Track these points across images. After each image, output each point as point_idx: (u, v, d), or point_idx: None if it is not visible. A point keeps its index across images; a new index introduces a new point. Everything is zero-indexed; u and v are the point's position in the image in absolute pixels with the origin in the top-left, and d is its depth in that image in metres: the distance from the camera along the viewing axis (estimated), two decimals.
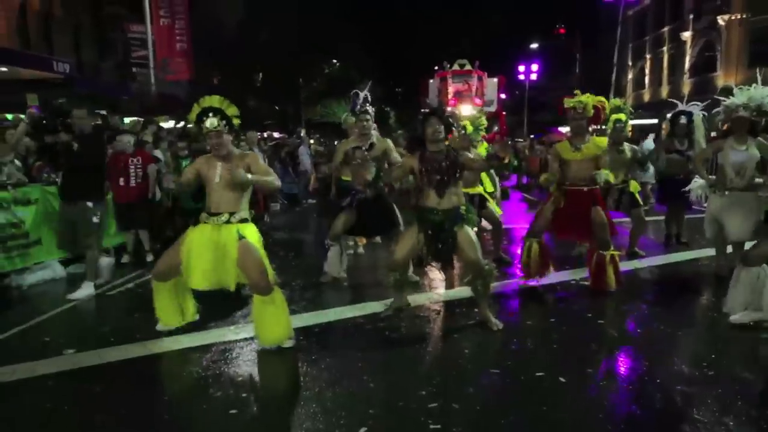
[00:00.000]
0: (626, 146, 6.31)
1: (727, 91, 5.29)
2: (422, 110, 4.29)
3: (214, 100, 3.78)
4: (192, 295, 4.12)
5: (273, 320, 3.76)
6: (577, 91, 5.22)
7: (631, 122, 6.83)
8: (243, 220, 3.78)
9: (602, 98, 5.25)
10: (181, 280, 3.90)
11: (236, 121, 3.81)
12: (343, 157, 5.26)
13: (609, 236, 5.04)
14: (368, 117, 5.22)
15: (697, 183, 5.87)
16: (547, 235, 5.48)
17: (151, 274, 3.98)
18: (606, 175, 4.88)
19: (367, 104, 5.29)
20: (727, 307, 4.32)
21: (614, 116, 6.12)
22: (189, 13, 20.40)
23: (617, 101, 6.48)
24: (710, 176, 5.47)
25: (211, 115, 3.70)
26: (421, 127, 4.16)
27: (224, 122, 3.72)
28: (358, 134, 5.31)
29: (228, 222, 3.73)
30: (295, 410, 3.09)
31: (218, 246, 3.70)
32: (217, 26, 23.04)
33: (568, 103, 5.12)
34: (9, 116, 7.45)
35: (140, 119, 10.31)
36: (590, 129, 5.33)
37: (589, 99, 5.10)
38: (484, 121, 6.22)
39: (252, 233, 3.79)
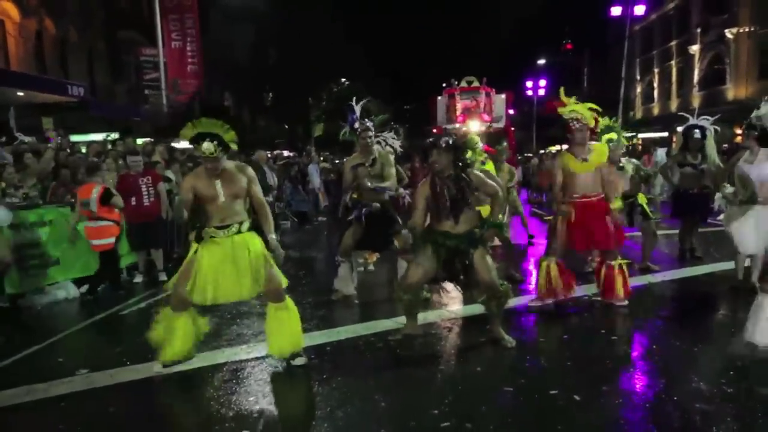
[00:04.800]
0: (625, 161, 6.26)
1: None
2: (426, 140, 4.26)
3: (210, 125, 3.71)
4: (202, 321, 4.05)
5: (286, 327, 3.82)
6: (568, 100, 4.99)
7: (641, 135, 6.76)
8: (249, 228, 3.86)
9: (594, 105, 5.06)
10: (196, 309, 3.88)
11: (233, 146, 3.81)
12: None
13: (614, 245, 5.00)
14: (370, 134, 5.26)
15: (719, 195, 5.81)
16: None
17: (170, 307, 3.87)
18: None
19: (366, 120, 5.33)
20: (750, 336, 4.12)
21: (606, 136, 5.93)
22: (200, 36, 20.80)
23: (607, 120, 6.26)
24: (724, 185, 5.39)
25: (208, 140, 3.66)
26: (426, 156, 4.15)
27: (220, 147, 3.69)
28: (360, 150, 5.36)
29: (239, 231, 3.79)
30: (307, 430, 3.07)
31: (232, 258, 3.73)
32: (229, 49, 23.41)
33: (563, 112, 4.96)
34: (26, 139, 7.65)
35: (152, 140, 10.46)
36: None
37: (583, 109, 4.95)
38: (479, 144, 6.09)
39: (257, 242, 3.85)
